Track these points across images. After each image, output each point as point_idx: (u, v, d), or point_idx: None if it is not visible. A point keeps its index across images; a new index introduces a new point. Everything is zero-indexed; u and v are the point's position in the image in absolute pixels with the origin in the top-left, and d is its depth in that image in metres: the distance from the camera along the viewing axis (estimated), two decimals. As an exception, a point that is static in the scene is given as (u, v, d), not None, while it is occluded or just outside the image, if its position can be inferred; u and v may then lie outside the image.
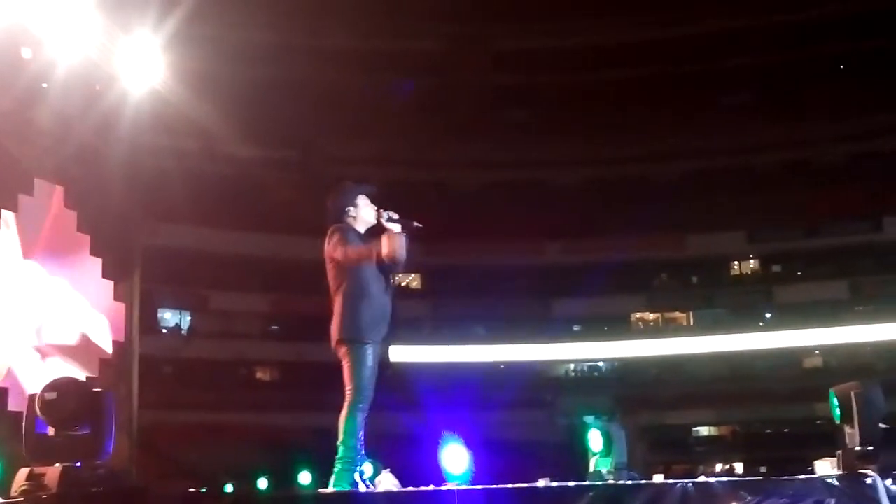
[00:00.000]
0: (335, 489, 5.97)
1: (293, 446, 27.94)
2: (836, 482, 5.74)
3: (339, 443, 6.22)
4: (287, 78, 36.04)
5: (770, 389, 38.40)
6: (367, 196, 6.73)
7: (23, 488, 5.12)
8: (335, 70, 37.65)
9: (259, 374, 40.13)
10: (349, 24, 37.16)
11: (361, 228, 6.62)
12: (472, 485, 7.37)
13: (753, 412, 39.48)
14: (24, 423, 5.44)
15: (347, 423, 6.21)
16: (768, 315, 41.50)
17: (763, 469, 34.05)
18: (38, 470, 5.20)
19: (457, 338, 37.53)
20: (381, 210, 6.59)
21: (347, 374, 6.32)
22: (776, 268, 42.10)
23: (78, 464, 5.25)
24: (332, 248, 6.47)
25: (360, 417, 6.25)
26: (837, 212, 38.75)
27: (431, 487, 6.38)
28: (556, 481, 6.43)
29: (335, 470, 6.17)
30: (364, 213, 6.65)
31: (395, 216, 6.53)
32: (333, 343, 6.41)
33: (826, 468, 6.70)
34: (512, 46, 40.52)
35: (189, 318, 38.69)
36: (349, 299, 6.38)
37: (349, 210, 6.64)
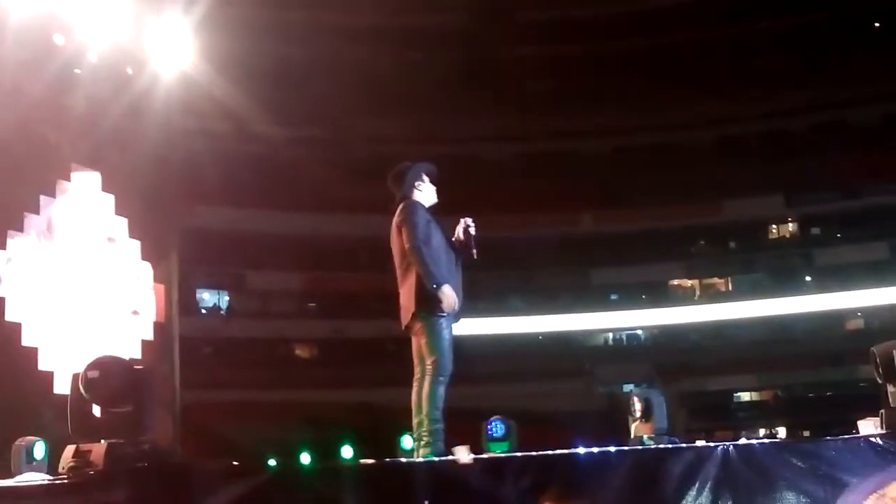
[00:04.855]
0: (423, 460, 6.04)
1: (334, 422, 28.15)
2: (880, 441, 5.69)
3: (422, 415, 6.28)
4: (316, 56, 36.06)
5: (812, 352, 38.10)
6: (429, 175, 6.78)
7: (70, 465, 5.22)
8: (363, 47, 37.59)
9: (298, 352, 40.44)
10: (376, 1, 37.03)
11: (426, 204, 6.68)
12: (512, 453, 7.40)
13: (795, 376, 39.25)
14: (68, 402, 5.52)
15: (431, 396, 6.27)
16: (808, 278, 41.14)
17: (806, 433, 33.88)
18: (84, 447, 5.28)
19: (494, 310, 37.56)
20: (465, 219, 6.66)
21: (425, 348, 6.39)
22: (815, 230, 41.68)
23: (122, 441, 5.33)
24: (402, 226, 6.50)
25: (442, 389, 6.32)
26: (875, 172, 38.18)
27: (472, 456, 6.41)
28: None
29: (422, 443, 6.24)
30: (428, 189, 6.73)
31: (472, 231, 6.64)
32: (407, 317, 6.46)
33: (869, 428, 6.64)
34: (536, 17, 40.20)
35: (227, 297, 39.04)
36: (412, 288, 6.41)
37: (418, 185, 6.68)
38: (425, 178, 6.74)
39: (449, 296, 6.34)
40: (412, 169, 6.77)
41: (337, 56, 36.44)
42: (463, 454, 6.39)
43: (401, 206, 6.59)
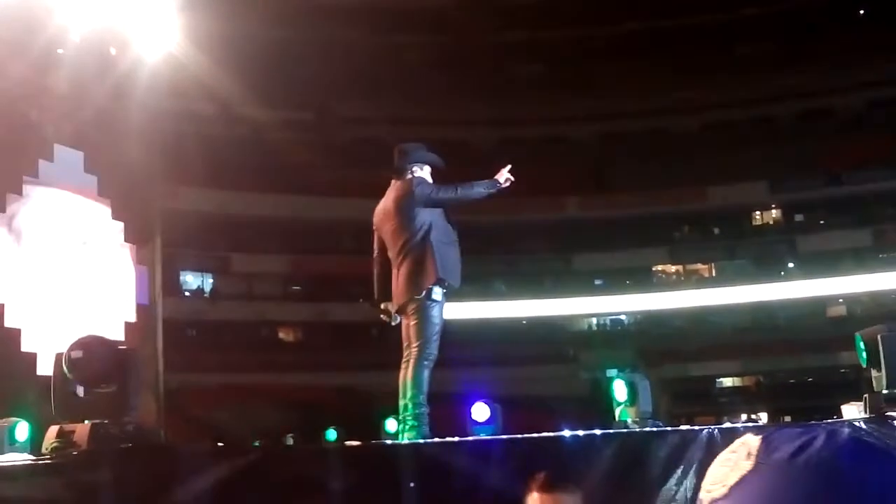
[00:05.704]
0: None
1: (318, 405, 28.14)
2: (863, 425, 5.71)
3: (406, 398, 6.27)
4: (300, 39, 35.84)
5: (794, 339, 38.30)
6: (433, 166, 6.78)
7: (53, 445, 5.18)
8: (348, 30, 37.41)
9: (282, 335, 40.39)
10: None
11: None
12: (498, 436, 7.40)
13: (777, 362, 39.43)
14: (52, 382, 5.48)
15: (416, 379, 6.27)
16: (791, 265, 41.31)
17: (787, 419, 34.10)
18: (68, 427, 5.24)
19: (478, 294, 37.58)
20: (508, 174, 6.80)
21: (413, 331, 6.36)
22: (798, 217, 41.84)
23: (106, 421, 5.29)
24: (421, 193, 6.49)
25: (427, 373, 6.32)
26: (859, 159, 38.37)
27: (457, 439, 6.41)
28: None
29: (406, 425, 6.23)
30: (422, 176, 6.69)
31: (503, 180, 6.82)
32: (401, 300, 6.43)
33: (853, 412, 6.67)
34: (523, 2, 40.10)
35: (211, 280, 38.91)
36: (426, 257, 6.40)
37: (414, 169, 6.65)
38: (426, 167, 6.72)
39: (506, 172, 6.69)
40: (418, 153, 6.75)
41: (323, 39, 36.24)
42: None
43: (405, 185, 6.56)
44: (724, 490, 0.92)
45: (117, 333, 11.00)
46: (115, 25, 11.18)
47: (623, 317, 42.63)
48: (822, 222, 41.09)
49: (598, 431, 6.10)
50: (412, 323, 6.39)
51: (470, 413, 9.90)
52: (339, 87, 36.07)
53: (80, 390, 5.42)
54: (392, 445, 6.03)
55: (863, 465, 0.87)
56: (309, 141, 36.14)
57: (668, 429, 6.14)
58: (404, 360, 6.43)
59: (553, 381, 34.94)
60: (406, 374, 6.33)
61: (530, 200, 38.19)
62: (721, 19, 40.05)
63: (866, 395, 6.37)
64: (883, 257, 39.47)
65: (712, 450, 5.35)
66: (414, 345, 6.36)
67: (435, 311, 6.39)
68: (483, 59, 39.46)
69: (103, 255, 11.29)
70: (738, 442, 0.95)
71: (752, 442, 0.93)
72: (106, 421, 5.23)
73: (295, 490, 4.85)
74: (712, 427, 5.57)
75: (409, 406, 6.25)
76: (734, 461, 0.92)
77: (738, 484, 0.91)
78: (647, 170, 38.38)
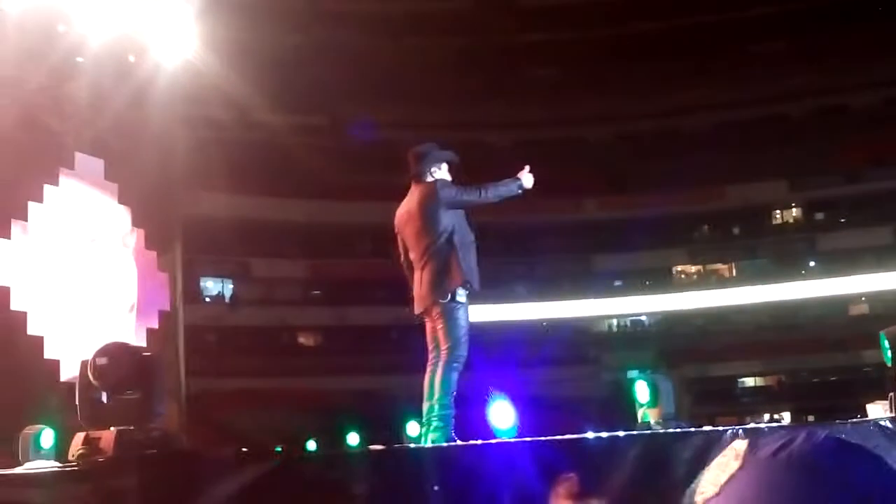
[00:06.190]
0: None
1: (338, 409, 28.18)
2: (889, 424, 5.66)
3: (433, 401, 6.26)
4: (316, 44, 35.94)
5: (816, 338, 38.06)
6: (449, 163, 6.76)
7: (80, 452, 5.20)
8: (363, 34, 37.48)
9: (302, 339, 40.46)
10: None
11: None
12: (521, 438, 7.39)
13: (800, 361, 39.22)
14: (77, 389, 5.51)
15: (444, 381, 6.25)
16: (812, 263, 41.08)
17: (811, 418, 33.90)
18: (94, 434, 5.27)
19: (498, 297, 37.49)
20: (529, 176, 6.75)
21: (441, 334, 6.34)
22: (819, 215, 41.62)
23: (131, 427, 5.31)
24: (446, 196, 6.47)
25: (455, 375, 6.31)
26: (878, 157, 38.11)
27: (480, 442, 6.40)
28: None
29: (431, 428, 6.22)
30: (442, 177, 6.68)
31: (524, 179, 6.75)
32: (426, 302, 6.42)
33: (878, 411, 6.62)
34: (538, 3, 40.08)
35: (231, 286, 39.01)
36: (451, 260, 6.37)
37: (433, 170, 6.64)
38: (444, 165, 6.71)
39: (527, 174, 6.64)
40: (434, 153, 6.73)
41: (338, 43, 36.31)
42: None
43: (430, 188, 6.53)
44: (716, 489, 0.98)
45: (139, 340, 11.06)
46: (133, 33, 11.24)
47: (644, 317, 42.49)
48: (842, 220, 40.84)
49: (621, 433, 6.07)
50: (439, 326, 6.37)
51: (491, 415, 9.90)
52: (355, 90, 36.12)
53: (105, 397, 5.44)
54: (415, 449, 6.03)
55: (841, 461, 0.93)
56: (326, 145, 36.24)
57: (692, 430, 6.11)
58: (430, 363, 6.41)
59: (574, 383, 34.84)
60: (434, 377, 6.32)
61: (548, 202, 38.13)
62: (735, 18, 39.86)
63: (892, 394, 6.31)
64: (905, 255, 39.18)
65: (737, 450, 5.32)
66: (444, 347, 6.33)
67: (461, 313, 6.36)
68: (499, 61, 39.44)
69: (124, 261, 11.35)
70: (729, 447, 1.01)
71: (739, 445, 1.00)
72: (131, 427, 5.25)
73: (319, 495, 4.86)
74: (736, 427, 5.53)
75: (436, 408, 6.24)
76: (724, 464, 0.99)
77: (727, 482, 0.97)
78: (664, 170, 38.25)
